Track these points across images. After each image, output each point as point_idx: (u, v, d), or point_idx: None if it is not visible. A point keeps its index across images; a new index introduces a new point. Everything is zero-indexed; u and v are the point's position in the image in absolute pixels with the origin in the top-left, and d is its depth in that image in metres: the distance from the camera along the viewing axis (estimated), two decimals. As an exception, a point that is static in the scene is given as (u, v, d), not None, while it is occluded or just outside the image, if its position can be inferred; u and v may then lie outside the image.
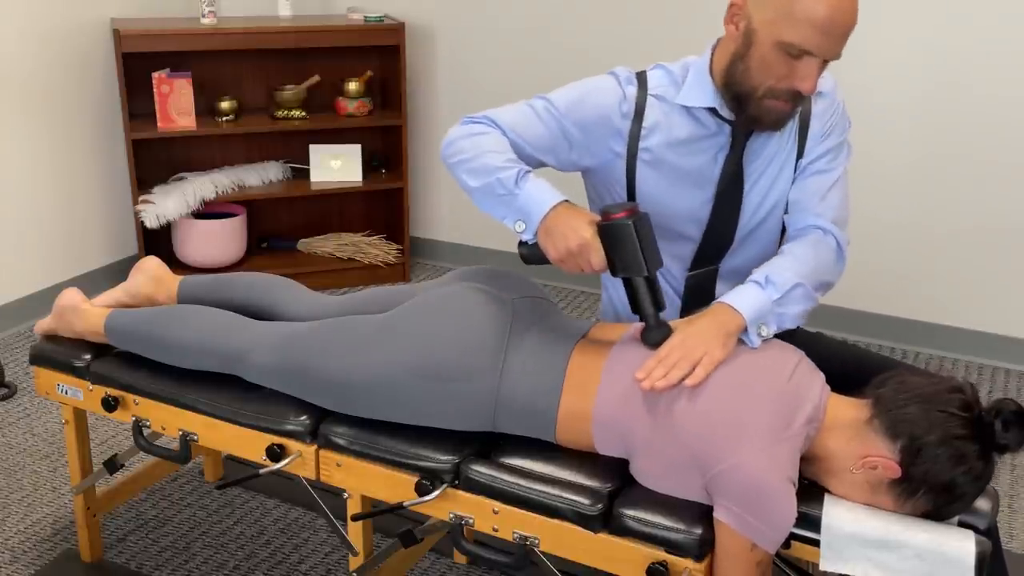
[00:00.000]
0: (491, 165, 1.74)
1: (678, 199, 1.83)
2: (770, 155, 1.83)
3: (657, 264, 1.66)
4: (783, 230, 1.91)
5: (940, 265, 3.38)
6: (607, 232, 1.64)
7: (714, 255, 1.90)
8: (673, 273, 1.93)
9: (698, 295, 1.91)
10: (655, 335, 1.67)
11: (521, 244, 1.74)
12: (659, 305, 1.67)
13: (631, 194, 1.85)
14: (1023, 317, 3.33)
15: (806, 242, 1.80)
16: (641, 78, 1.83)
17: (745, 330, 1.66)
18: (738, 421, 1.55)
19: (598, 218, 1.66)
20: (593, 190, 1.94)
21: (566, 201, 1.70)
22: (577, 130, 1.81)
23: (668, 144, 1.81)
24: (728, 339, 1.64)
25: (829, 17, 1.59)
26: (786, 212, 1.87)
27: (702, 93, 1.78)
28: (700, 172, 1.82)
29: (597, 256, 1.65)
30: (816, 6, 1.59)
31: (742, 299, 1.68)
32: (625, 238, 1.62)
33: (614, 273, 1.66)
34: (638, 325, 1.80)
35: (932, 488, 1.52)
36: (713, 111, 1.78)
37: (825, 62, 1.66)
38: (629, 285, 1.67)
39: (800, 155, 1.83)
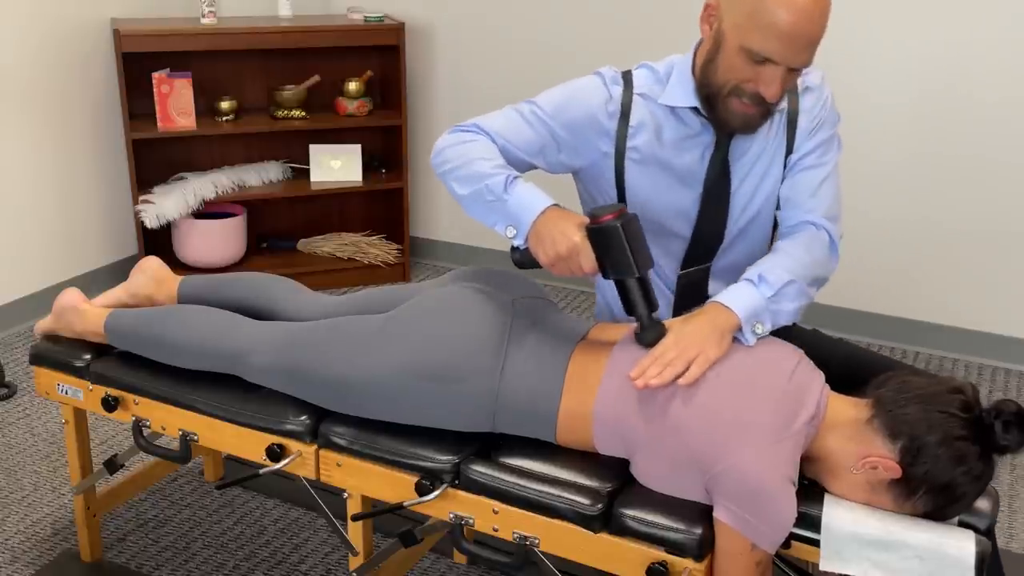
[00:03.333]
0: (480, 172, 1.74)
1: (667, 197, 1.84)
2: (757, 152, 1.83)
3: (647, 264, 1.66)
4: (775, 226, 1.91)
5: (940, 265, 3.39)
6: (595, 235, 1.64)
7: (705, 254, 1.90)
8: (665, 272, 1.93)
9: (691, 294, 1.91)
10: (649, 335, 1.67)
11: (513, 249, 1.74)
12: (652, 305, 1.67)
13: (621, 193, 1.86)
14: (1023, 317, 3.33)
15: (799, 238, 1.80)
16: (627, 77, 1.83)
17: (740, 328, 1.67)
18: (739, 420, 1.55)
19: (587, 221, 1.66)
20: (585, 191, 1.94)
21: (555, 205, 1.70)
22: (564, 131, 1.82)
23: (655, 143, 1.81)
24: (723, 338, 1.64)
25: (791, 26, 1.59)
26: (778, 208, 1.87)
27: (685, 93, 1.78)
28: (688, 170, 1.83)
29: (587, 260, 1.65)
30: (778, 15, 1.58)
31: (736, 297, 1.68)
32: (613, 240, 1.63)
33: (605, 275, 1.67)
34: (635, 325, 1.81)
35: (932, 488, 1.52)
36: (696, 110, 1.79)
37: (792, 70, 1.65)
38: (621, 286, 1.67)
39: (789, 151, 1.83)
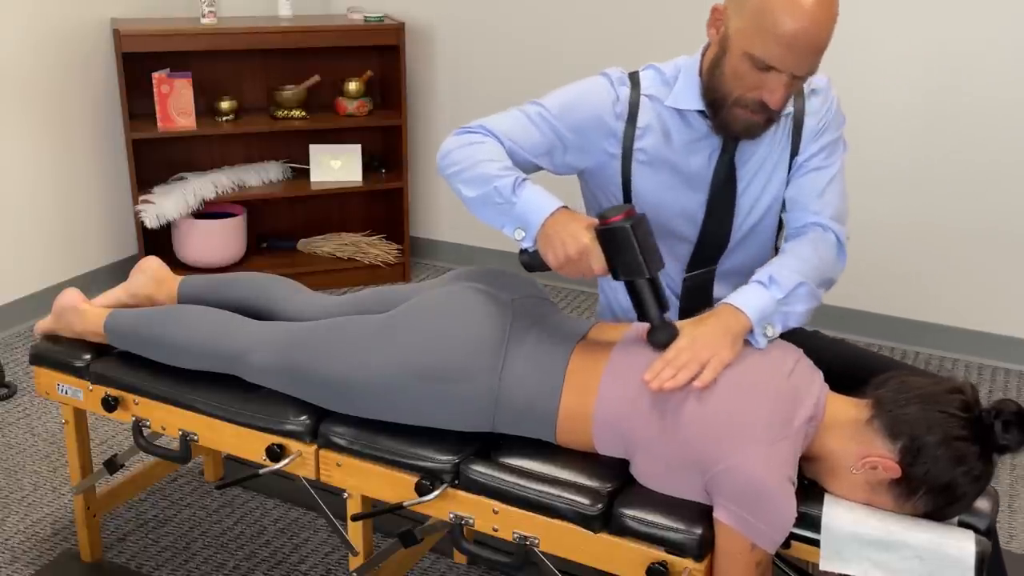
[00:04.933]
0: (488, 174, 1.73)
1: (673, 200, 1.83)
2: (763, 156, 1.83)
3: (658, 265, 1.65)
4: (780, 228, 1.91)
5: (940, 265, 3.38)
6: (605, 236, 1.63)
7: (711, 256, 1.90)
8: (671, 274, 1.93)
9: (696, 296, 1.91)
10: (661, 336, 1.65)
11: (522, 252, 1.73)
12: (663, 306, 1.66)
13: (627, 195, 1.85)
14: (1023, 317, 3.33)
15: (807, 240, 1.80)
16: (634, 78, 1.83)
17: (751, 331, 1.66)
18: (738, 421, 1.55)
19: (596, 222, 1.65)
20: (589, 192, 1.94)
21: (564, 207, 1.69)
22: (571, 133, 1.82)
23: (663, 145, 1.81)
24: (735, 340, 1.64)
25: (795, 34, 1.58)
26: (784, 210, 1.87)
27: (691, 96, 1.78)
28: (695, 173, 1.82)
29: (597, 261, 1.64)
30: (783, 22, 1.58)
31: (746, 299, 1.68)
32: (624, 241, 1.61)
33: (615, 277, 1.65)
34: (640, 325, 1.80)
35: (932, 488, 1.52)
36: (703, 113, 1.78)
37: (796, 77, 1.64)
38: (632, 287, 1.66)
39: (795, 153, 1.83)
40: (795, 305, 1.71)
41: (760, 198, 1.85)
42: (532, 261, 1.72)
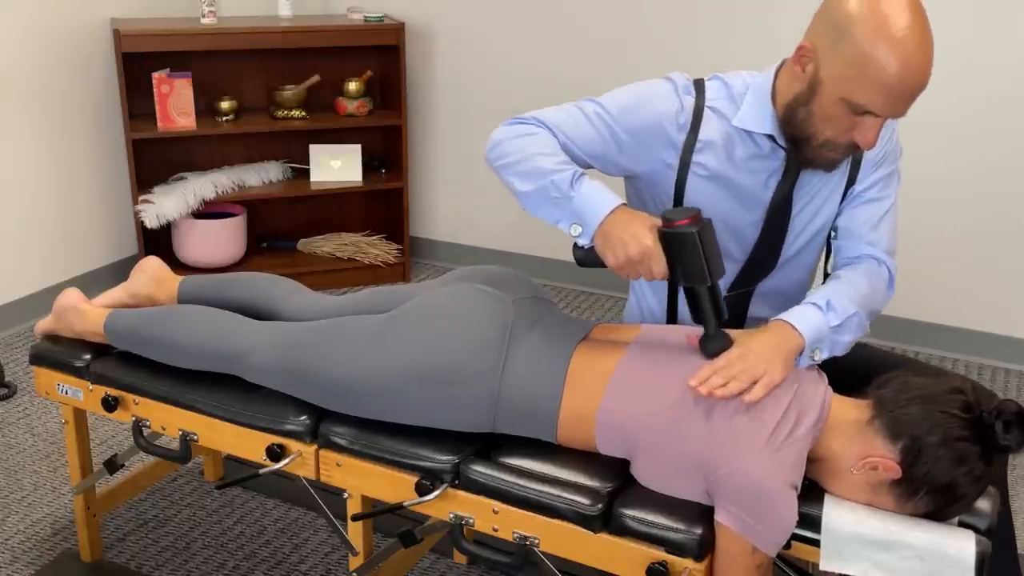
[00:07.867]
0: (543, 167, 1.69)
1: (726, 217, 1.78)
2: (820, 182, 1.79)
3: (720, 273, 1.62)
4: (825, 253, 1.89)
5: (940, 265, 3.38)
6: (670, 240, 1.59)
7: (756, 276, 1.86)
8: None
9: (732, 314, 1.86)
10: (714, 344, 1.63)
11: (576, 247, 1.69)
12: (720, 314, 1.63)
13: (678, 205, 1.80)
14: (1023, 317, 3.33)
15: (862, 271, 1.77)
16: (699, 86, 1.77)
17: (801, 352, 1.64)
18: (744, 427, 1.55)
19: (659, 223, 1.61)
20: (636, 196, 1.88)
21: (624, 204, 1.65)
22: (628, 136, 1.76)
23: (724, 161, 1.76)
24: (788, 360, 1.61)
25: (901, 81, 1.53)
26: (834, 237, 1.85)
27: (761, 118, 1.73)
28: (751, 193, 1.78)
29: (659, 265, 1.60)
30: (889, 69, 1.52)
31: (803, 320, 1.65)
32: (689, 246, 1.58)
33: (675, 281, 1.62)
34: (654, 328, 1.79)
35: (932, 489, 1.52)
36: (771, 138, 1.74)
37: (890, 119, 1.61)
38: (691, 293, 1.63)
39: (851, 182, 1.80)
40: (844, 335, 1.69)
41: (811, 223, 1.82)
42: (587, 258, 1.68)
